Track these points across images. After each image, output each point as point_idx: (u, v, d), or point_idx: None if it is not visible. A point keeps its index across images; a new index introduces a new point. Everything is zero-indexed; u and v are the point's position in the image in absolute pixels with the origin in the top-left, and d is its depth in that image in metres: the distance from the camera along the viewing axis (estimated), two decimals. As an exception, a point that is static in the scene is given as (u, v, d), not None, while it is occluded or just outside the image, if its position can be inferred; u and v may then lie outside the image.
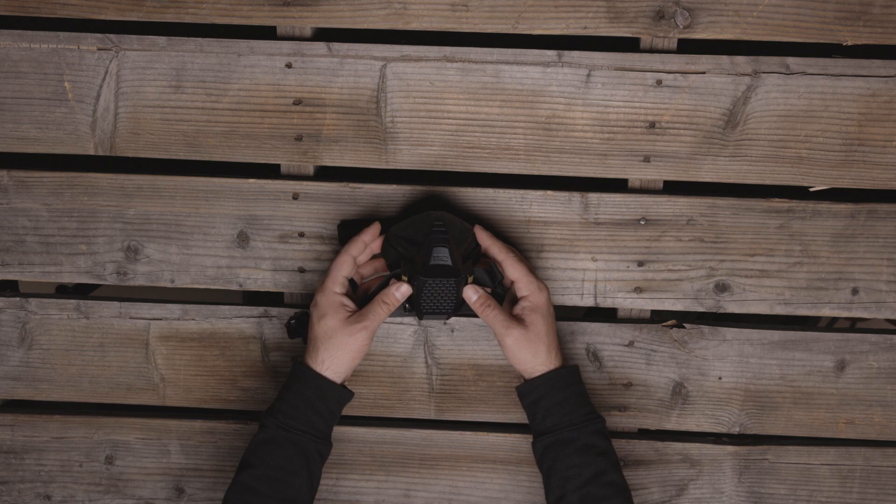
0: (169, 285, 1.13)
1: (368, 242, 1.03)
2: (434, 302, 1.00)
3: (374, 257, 1.06)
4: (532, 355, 1.02)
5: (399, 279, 1.02)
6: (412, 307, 1.03)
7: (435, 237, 0.99)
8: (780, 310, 1.11)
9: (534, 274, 1.03)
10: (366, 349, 1.02)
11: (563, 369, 1.03)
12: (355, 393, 1.04)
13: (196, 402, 1.18)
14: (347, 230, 1.07)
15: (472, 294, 1.02)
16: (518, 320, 1.02)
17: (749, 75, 1.04)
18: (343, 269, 1.02)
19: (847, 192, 1.10)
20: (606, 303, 1.12)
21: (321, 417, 1.02)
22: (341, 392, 1.02)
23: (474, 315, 1.03)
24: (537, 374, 1.02)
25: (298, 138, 1.08)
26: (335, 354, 1.01)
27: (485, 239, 1.03)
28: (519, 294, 1.02)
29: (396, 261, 1.03)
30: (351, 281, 1.05)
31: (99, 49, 1.07)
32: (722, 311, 1.12)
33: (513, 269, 1.02)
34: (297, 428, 1.01)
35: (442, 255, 0.99)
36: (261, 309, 1.15)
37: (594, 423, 1.02)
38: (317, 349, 1.01)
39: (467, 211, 1.10)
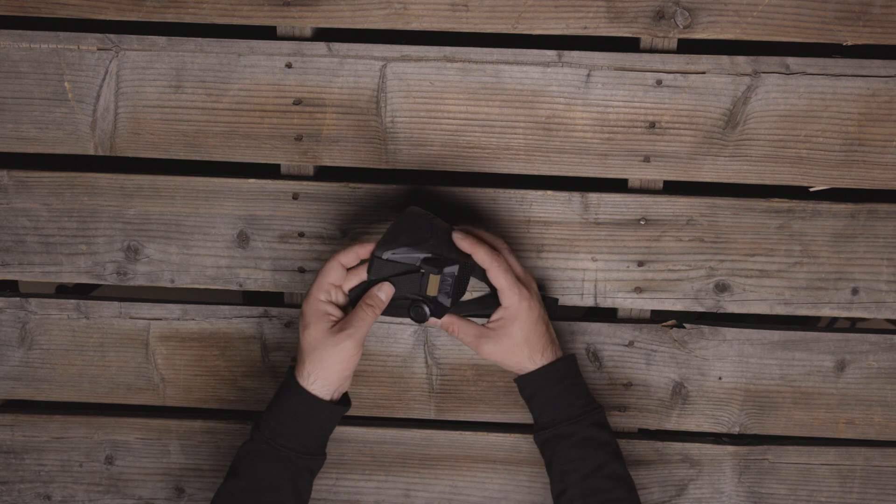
0: (169, 285, 1.13)
1: (362, 256, 0.98)
2: (459, 289, 0.98)
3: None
4: (513, 361, 1.00)
5: (425, 276, 0.96)
6: (448, 296, 0.97)
7: (441, 228, 0.98)
8: (780, 310, 1.11)
9: (515, 278, 0.98)
10: (355, 358, 0.96)
11: (559, 361, 1.01)
12: (356, 392, 1.04)
13: (196, 402, 1.18)
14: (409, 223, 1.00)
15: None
16: (489, 332, 1.00)
17: (749, 75, 1.04)
18: (329, 276, 0.97)
19: (847, 192, 1.10)
20: (606, 303, 1.12)
21: (310, 434, 0.97)
22: (331, 408, 0.97)
23: (477, 315, 1.03)
24: (528, 370, 1.00)
25: (298, 138, 1.08)
26: (321, 367, 0.95)
27: (467, 246, 0.97)
28: (501, 303, 0.99)
29: (395, 276, 0.97)
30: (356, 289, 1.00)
31: (99, 49, 1.06)
32: (722, 311, 1.12)
33: (496, 280, 0.98)
34: (283, 445, 0.96)
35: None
36: (261, 309, 1.15)
37: (592, 415, 1.00)
38: (303, 362, 0.96)
39: (468, 210, 1.10)
